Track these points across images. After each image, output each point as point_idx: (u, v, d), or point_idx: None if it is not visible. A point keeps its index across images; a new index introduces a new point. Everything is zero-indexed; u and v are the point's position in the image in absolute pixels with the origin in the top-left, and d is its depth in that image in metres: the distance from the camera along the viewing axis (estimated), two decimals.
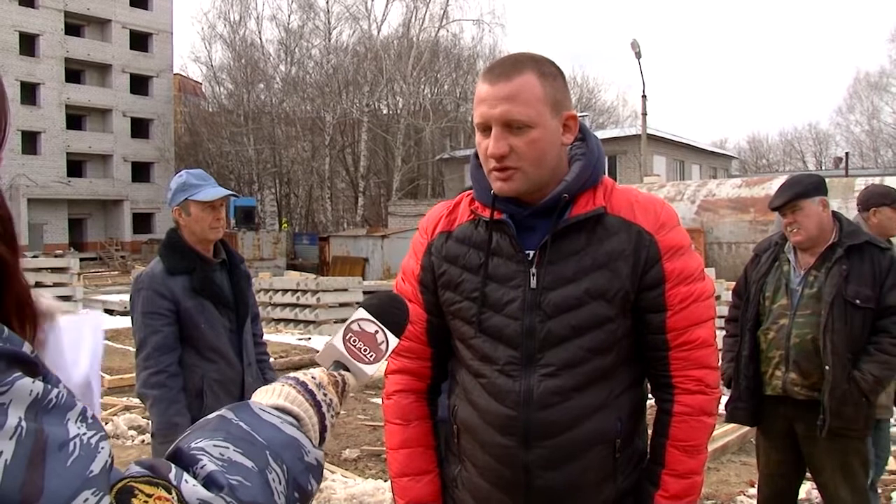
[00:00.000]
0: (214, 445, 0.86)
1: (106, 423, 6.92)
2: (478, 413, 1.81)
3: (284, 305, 14.77)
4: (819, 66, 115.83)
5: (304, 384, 1.06)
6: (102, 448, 0.72)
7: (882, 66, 69.23)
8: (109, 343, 12.73)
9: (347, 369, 1.17)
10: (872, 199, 4.17)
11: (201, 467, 0.83)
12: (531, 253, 1.74)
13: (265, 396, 1.03)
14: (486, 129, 1.70)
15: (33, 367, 0.72)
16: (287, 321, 14.69)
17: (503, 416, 1.75)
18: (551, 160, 1.72)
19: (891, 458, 4.85)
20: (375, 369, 1.20)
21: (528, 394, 1.73)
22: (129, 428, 6.85)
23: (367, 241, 27.37)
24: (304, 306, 14.44)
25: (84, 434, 0.71)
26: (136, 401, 7.97)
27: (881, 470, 4.09)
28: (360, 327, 1.21)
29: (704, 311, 1.78)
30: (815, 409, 3.27)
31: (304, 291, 14.46)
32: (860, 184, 14.79)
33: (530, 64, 1.69)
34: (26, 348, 0.73)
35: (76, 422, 0.71)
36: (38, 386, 0.69)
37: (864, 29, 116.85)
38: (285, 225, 45.91)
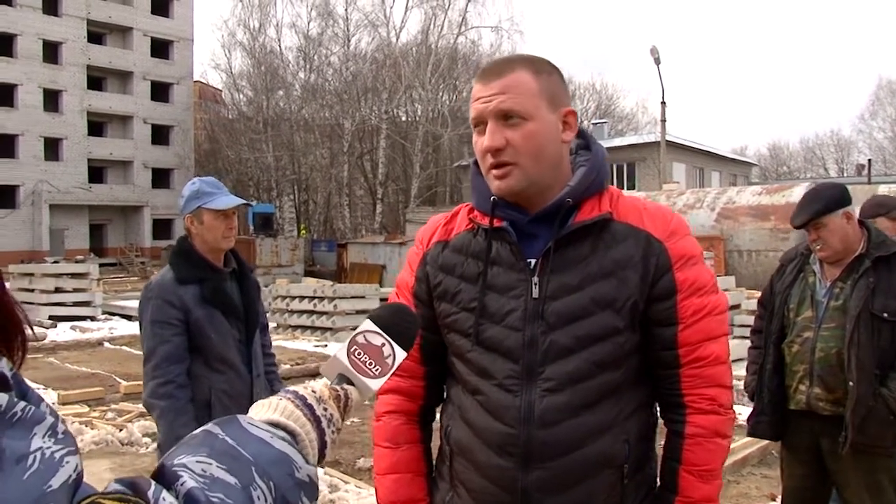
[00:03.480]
0: (197, 461, 0.83)
1: (120, 430, 6.92)
2: (473, 432, 1.69)
3: (301, 312, 14.81)
4: (840, 73, 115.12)
5: (303, 398, 1.02)
6: (67, 462, 0.70)
7: None
8: (127, 349, 12.80)
9: (352, 383, 1.12)
10: (868, 210, 4.08)
11: (181, 484, 0.80)
12: (533, 261, 1.65)
13: (260, 411, 1.00)
14: (480, 125, 1.63)
15: (4, 382, 0.71)
16: (304, 328, 14.72)
17: (501, 434, 1.63)
18: (551, 156, 1.64)
19: None
20: (381, 384, 1.15)
21: (528, 410, 1.61)
22: (144, 435, 6.84)
23: (385, 248, 27.34)
24: (321, 313, 14.47)
25: (48, 448, 0.69)
26: None
27: None
28: (366, 340, 1.16)
29: (718, 325, 1.67)
30: (840, 425, 3.17)
31: (321, 298, 14.50)
32: (884, 190, 14.63)
33: (522, 62, 1.64)
34: (2, 364, 0.72)
35: (43, 436, 0.69)
36: (2, 398, 0.68)
37: (886, 35, 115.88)
38: (304, 231, 46.02)
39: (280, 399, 1.01)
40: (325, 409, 1.02)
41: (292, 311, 14.93)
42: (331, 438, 1.02)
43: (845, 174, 57.24)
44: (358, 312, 14.49)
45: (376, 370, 1.14)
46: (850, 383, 3.12)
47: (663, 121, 28.81)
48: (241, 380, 3.19)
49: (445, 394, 1.87)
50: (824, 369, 3.22)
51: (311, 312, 14.67)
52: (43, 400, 0.76)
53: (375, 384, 1.14)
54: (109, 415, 7.77)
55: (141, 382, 8.86)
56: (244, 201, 3.31)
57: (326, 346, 13.24)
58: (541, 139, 1.61)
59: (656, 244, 1.64)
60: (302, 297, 14.86)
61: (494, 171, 1.63)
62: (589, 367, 1.61)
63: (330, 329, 14.21)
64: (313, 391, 1.04)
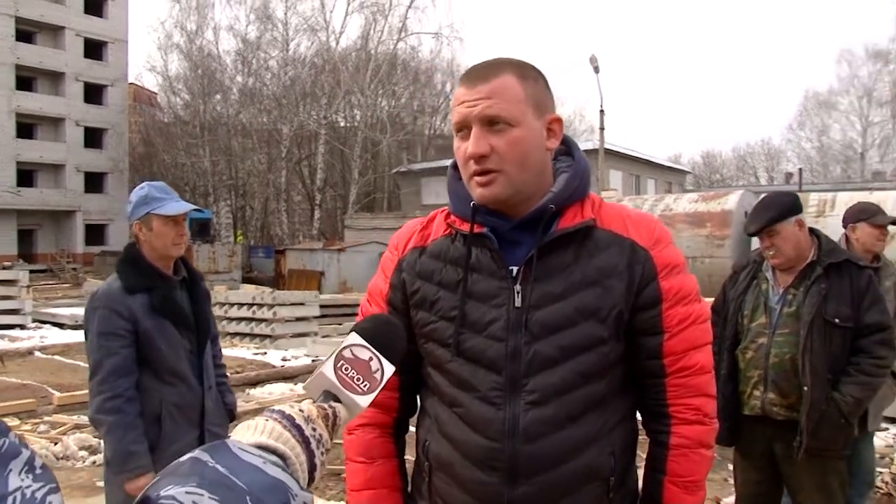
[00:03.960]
0: (186, 493, 0.75)
1: (55, 444, 6.67)
2: (453, 446, 1.63)
3: (240, 319, 14.59)
4: (771, 84, 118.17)
5: (290, 418, 0.96)
6: (50, 503, 0.65)
7: (830, 84, 71.11)
8: (60, 358, 12.39)
9: (339, 400, 1.06)
10: (851, 215, 4.17)
11: None
12: (515, 269, 1.60)
13: (246, 433, 0.93)
14: (464, 130, 1.57)
15: None
16: (242, 335, 14.49)
17: (484, 448, 1.57)
18: (535, 164, 1.59)
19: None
20: (369, 400, 1.09)
21: (513, 423, 1.56)
22: (80, 448, 6.60)
23: (324, 254, 27.12)
24: (260, 320, 14.29)
25: (28, 487, 0.63)
26: (88, 419, 7.71)
27: (866, 489, 4.04)
28: (353, 354, 1.10)
29: (702, 334, 1.65)
30: (793, 430, 3.22)
31: (261, 305, 14.33)
32: (813, 199, 15.02)
33: (509, 66, 1.59)
34: None
35: (20, 473, 0.64)
36: None
37: (813, 50, 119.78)
38: (240, 238, 45.36)
39: (266, 420, 0.95)
40: (314, 430, 0.97)
41: (231, 319, 14.69)
42: (320, 460, 0.96)
43: (775, 182, 58.82)
44: (297, 319, 14.39)
45: (364, 386, 1.08)
46: (805, 388, 3.17)
47: (602, 129, 29.16)
48: (193, 392, 3.06)
49: (420, 405, 1.80)
50: (779, 375, 3.26)
51: (251, 319, 14.47)
52: (10, 430, 0.68)
53: (364, 401, 1.08)
54: (42, 428, 7.48)
55: (75, 393, 8.54)
56: (195, 207, 3.18)
57: (266, 353, 13.06)
58: (526, 146, 1.56)
59: (641, 252, 1.61)
60: (241, 305, 14.65)
61: (477, 178, 1.57)
62: (574, 378, 1.57)
63: (269, 336, 14.03)
64: (301, 410, 0.98)
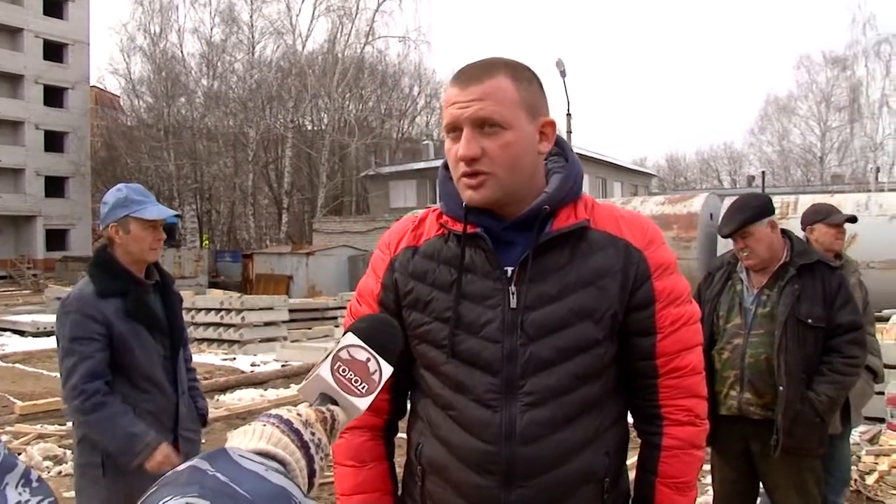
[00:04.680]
0: (186, 503, 0.72)
1: (19, 454, 6.53)
2: (448, 450, 1.61)
3: (208, 325, 14.39)
4: (733, 89, 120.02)
5: (288, 423, 0.94)
6: None
7: (790, 90, 72.23)
8: (21, 366, 12.15)
9: (336, 403, 1.04)
10: (807, 218, 4.21)
11: None
12: (510, 269, 1.58)
13: (244, 439, 0.90)
14: (455, 131, 1.55)
15: None
16: (210, 341, 14.30)
17: (480, 451, 1.56)
18: (526, 167, 1.57)
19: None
20: (368, 402, 1.06)
21: (510, 426, 1.55)
22: (45, 458, 6.46)
23: (292, 258, 26.93)
24: (229, 325, 14.12)
25: (27, 501, 0.62)
26: (52, 428, 7.56)
27: (842, 487, 4.08)
28: (350, 355, 1.07)
29: (694, 335, 1.66)
30: (770, 429, 3.25)
31: (229, 310, 14.15)
32: (776, 201, 15.24)
33: (503, 67, 1.56)
34: None
35: (17, 486, 0.62)
36: None
37: (773, 55, 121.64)
38: (207, 242, 44.92)
39: (265, 425, 0.92)
40: (313, 434, 0.95)
41: (198, 324, 14.48)
42: (319, 465, 0.94)
43: (738, 185, 59.51)
44: (266, 324, 14.25)
45: (363, 388, 1.06)
46: (780, 388, 3.20)
47: (569, 132, 29.32)
48: (167, 398, 3.01)
49: (410, 407, 1.77)
50: (754, 375, 3.29)
51: (218, 325, 14.28)
52: (1, 442, 0.67)
53: (363, 403, 1.06)
54: (4, 438, 7.31)
55: (38, 402, 8.36)
56: (175, 212, 3.14)
57: (235, 359, 12.92)
58: (517, 150, 1.54)
59: (635, 253, 1.61)
60: (208, 310, 14.45)
61: (467, 181, 1.55)
62: (570, 379, 1.56)
63: (237, 342, 13.88)
64: (299, 414, 0.96)
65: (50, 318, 17.60)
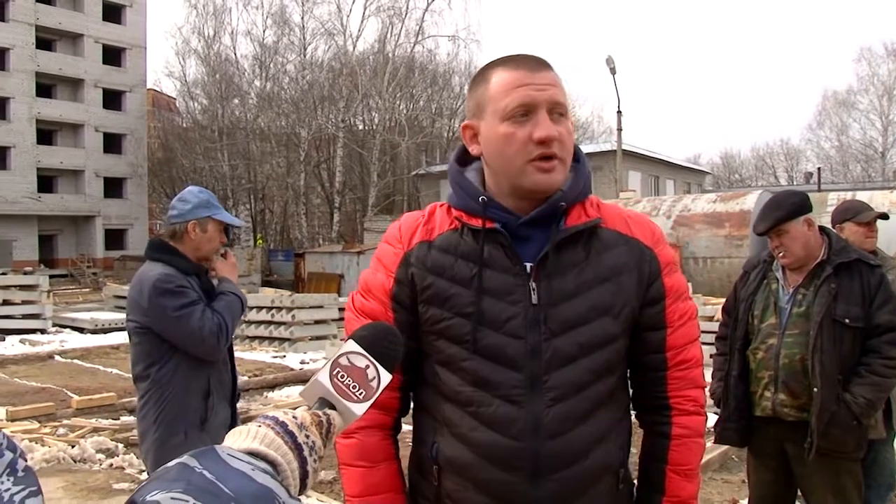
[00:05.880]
0: (172, 498, 0.76)
1: (73, 447, 6.73)
2: (470, 448, 1.58)
3: (259, 323, 14.60)
4: (789, 84, 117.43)
5: (283, 424, 0.96)
6: None
7: (849, 83, 70.53)
8: (79, 362, 12.49)
9: (334, 407, 1.07)
10: (837, 216, 4.13)
11: None
12: (529, 265, 1.59)
13: (237, 439, 0.93)
14: (526, 114, 1.54)
15: None
16: (262, 339, 14.51)
17: (506, 448, 1.55)
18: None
19: None
20: (365, 409, 1.09)
21: (535, 421, 1.55)
22: (98, 451, 6.65)
23: (343, 257, 27.17)
24: (279, 323, 14.28)
25: (7, 490, 0.64)
26: (106, 422, 7.77)
27: (887, 492, 3.98)
28: (350, 361, 1.10)
29: (696, 329, 1.73)
30: (804, 431, 3.19)
31: (279, 308, 14.32)
32: (832, 198, 14.89)
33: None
34: None
35: (2, 476, 0.64)
36: None
37: (832, 48, 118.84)
38: (260, 241, 45.54)
39: (259, 426, 0.95)
40: (307, 437, 0.97)
41: (249, 322, 14.71)
42: (312, 468, 0.96)
43: (794, 182, 58.36)
44: (316, 322, 14.38)
45: (360, 394, 1.08)
46: (815, 389, 3.14)
47: (619, 130, 29.06)
48: (229, 374, 3.26)
49: (417, 404, 1.77)
50: (789, 375, 3.23)
51: (269, 323, 14.47)
52: None
53: (359, 409, 1.08)
54: (61, 431, 7.54)
55: (94, 397, 8.60)
56: (243, 223, 3.38)
57: (285, 356, 13.08)
58: (573, 140, 1.61)
59: (647, 251, 1.66)
60: (259, 308, 14.65)
61: (542, 164, 1.55)
62: (590, 374, 1.59)
63: (288, 339, 14.04)
64: (294, 417, 0.99)
65: (108, 316, 18.09)
